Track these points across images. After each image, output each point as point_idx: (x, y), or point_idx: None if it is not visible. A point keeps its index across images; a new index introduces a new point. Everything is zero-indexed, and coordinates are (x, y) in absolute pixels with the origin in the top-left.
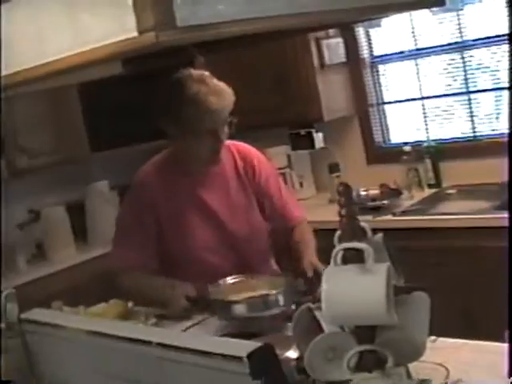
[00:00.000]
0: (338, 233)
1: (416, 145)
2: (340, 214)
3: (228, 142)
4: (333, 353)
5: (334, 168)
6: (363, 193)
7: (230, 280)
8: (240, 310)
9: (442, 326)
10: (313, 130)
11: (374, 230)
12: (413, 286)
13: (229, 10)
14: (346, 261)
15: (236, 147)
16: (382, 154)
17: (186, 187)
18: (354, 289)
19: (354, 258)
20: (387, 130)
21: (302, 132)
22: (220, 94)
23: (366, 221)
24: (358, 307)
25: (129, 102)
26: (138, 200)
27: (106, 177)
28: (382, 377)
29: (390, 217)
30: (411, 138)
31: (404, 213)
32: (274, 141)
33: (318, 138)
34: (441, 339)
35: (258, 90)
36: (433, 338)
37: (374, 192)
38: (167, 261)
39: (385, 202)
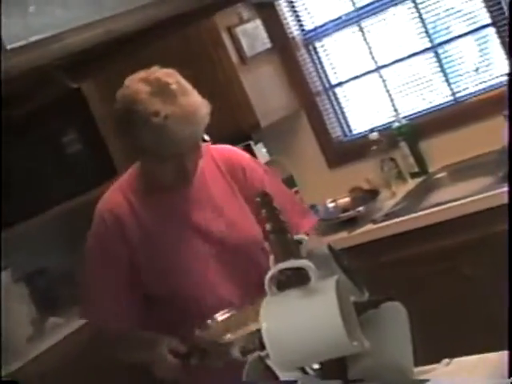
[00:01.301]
0: (271, 256)
1: (385, 129)
2: (265, 231)
3: (207, 146)
4: None
5: (288, 183)
6: (331, 205)
7: (219, 316)
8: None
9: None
10: (251, 143)
11: (354, 247)
12: (379, 299)
13: (69, 14)
14: (284, 286)
15: (217, 151)
16: (344, 150)
17: (166, 204)
18: (300, 318)
19: (294, 280)
20: (345, 119)
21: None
22: (190, 115)
23: (340, 239)
24: (310, 341)
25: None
26: (102, 241)
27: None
28: None
29: (370, 226)
30: (377, 121)
31: (387, 216)
32: None
33: (260, 150)
34: (456, 360)
35: None
36: (446, 360)
37: (344, 200)
38: (154, 304)
39: (360, 209)
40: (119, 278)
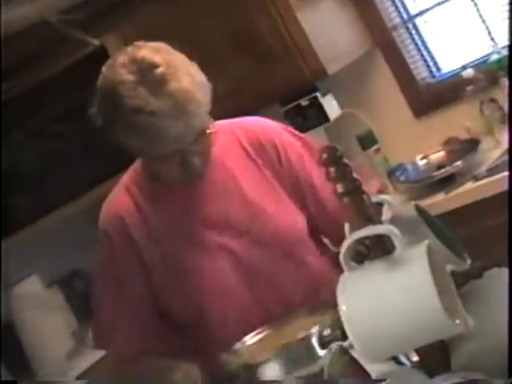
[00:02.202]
0: (346, 224)
1: (481, 63)
2: (337, 194)
3: (229, 125)
4: None
5: (367, 139)
6: (422, 162)
7: (250, 339)
8: (272, 369)
9: None
10: (317, 95)
11: (453, 211)
12: (483, 266)
13: None
14: (364, 258)
15: (242, 128)
16: (433, 94)
17: (179, 202)
18: (386, 296)
19: (376, 251)
20: (431, 56)
21: (303, 102)
22: (183, 105)
23: (436, 202)
24: (401, 323)
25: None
26: (110, 253)
27: (31, 270)
28: None
29: (471, 184)
30: (470, 55)
31: (492, 171)
32: None
33: (329, 102)
34: None
35: (215, 64)
36: None
37: (438, 155)
38: (174, 325)
39: (457, 164)
40: (134, 301)
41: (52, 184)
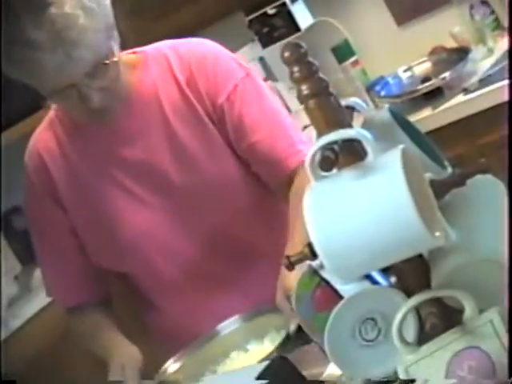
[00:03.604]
0: (313, 130)
1: None
2: (301, 96)
3: (160, 46)
4: (370, 328)
5: (343, 51)
6: (405, 74)
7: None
8: None
9: None
10: (286, 1)
11: (442, 129)
12: (465, 172)
13: None
14: (332, 165)
15: (175, 50)
16: None
17: (99, 142)
18: (358, 206)
19: (346, 158)
20: None
21: (270, 10)
22: (65, 33)
23: (423, 118)
24: (375, 235)
25: None
26: (28, 193)
27: None
28: (462, 336)
29: (461, 97)
30: None
31: (484, 82)
32: (229, 42)
33: (299, 9)
34: None
35: None
36: None
37: (423, 66)
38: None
39: (445, 75)
40: (58, 245)
41: None
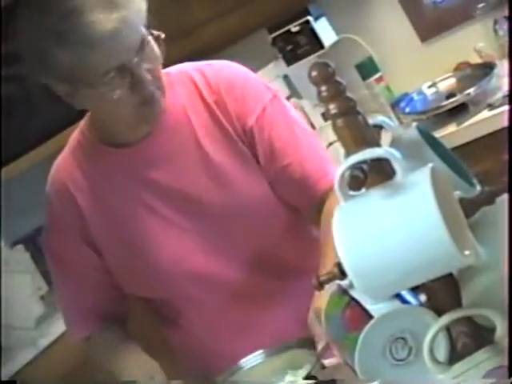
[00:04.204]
0: (341, 150)
1: None
2: (330, 116)
3: (183, 68)
4: (401, 348)
5: (367, 68)
6: (429, 90)
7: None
8: None
9: None
10: (309, 19)
11: (467, 145)
12: (495, 190)
13: None
14: (361, 185)
15: (200, 71)
16: (440, 14)
17: (126, 166)
18: (387, 225)
19: (374, 177)
20: None
21: (293, 28)
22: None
23: (448, 134)
24: (404, 254)
25: None
26: (50, 222)
27: None
28: (494, 356)
29: (486, 113)
30: None
31: (508, 98)
32: (252, 61)
33: (323, 27)
34: None
35: None
36: None
37: (447, 82)
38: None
39: (469, 91)
40: (86, 276)
41: (8, 132)
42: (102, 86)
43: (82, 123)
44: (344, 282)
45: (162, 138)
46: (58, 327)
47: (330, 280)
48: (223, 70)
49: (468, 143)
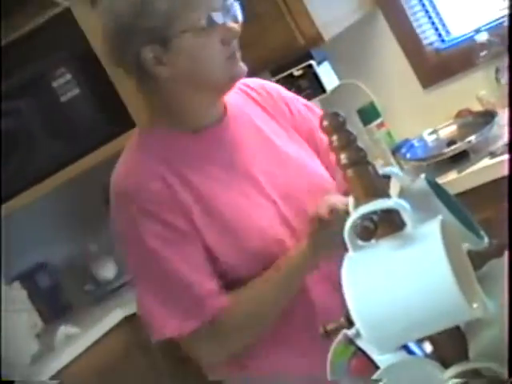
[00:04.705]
0: (350, 198)
1: (496, 26)
2: (340, 165)
3: None
4: None
5: (368, 113)
6: (430, 137)
7: None
8: None
9: None
10: (312, 63)
11: (467, 192)
12: (503, 243)
13: None
14: (371, 236)
15: (243, 83)
16: (442, 61)
17: (203, 148)
18: (396, 277)
19: (384, 228)
20: (439, 18)
21: (296, 72)
22: None
23: (449, 181)
24: (413, 306)
25: None
26: (156, 219)
27: None
28: None
29: (487, 161)
30: (485, 17)
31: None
32: None
33: (325, 71)
34: None
35: None
36: None
37: (449, 129)
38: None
39: (471, 139)
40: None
41: (8, 168)
42: (199, 33)
43: (132, 149)
44: (351, 332)
45: (231, 124)
46: (52, 367)
47: (337, 329)
48: (260, 80)
49: (469, 191)
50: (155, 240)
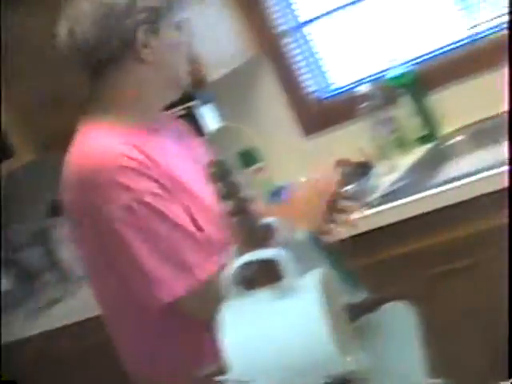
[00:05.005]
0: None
1: (378, 79)
2: (225, 212)
3: None
4: None
5: (249, 157)
6: None
7: None
8: None
9: None
10: (195, 104)
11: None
12: (379, 298)
13: None
14: (251, 285)
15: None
16: (324, 111)
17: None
18: (273, 328)
19: (264, 278)
20: (320, 69)
21: (178, 112)
22: None
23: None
24: (288, 358)
25: None
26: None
27: None
28: None
29: (363, 212)
30: (366, 70)
31: (386, 198)
32: None
33: (208, 114)
34: None
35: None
36: None
37: None
38: None
39: (347, 188)
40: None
41: None
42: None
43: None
44: (224, 378)
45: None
46: None
47: (212, 375)
48: None
49: (344, 240)
50: (153, 197)
